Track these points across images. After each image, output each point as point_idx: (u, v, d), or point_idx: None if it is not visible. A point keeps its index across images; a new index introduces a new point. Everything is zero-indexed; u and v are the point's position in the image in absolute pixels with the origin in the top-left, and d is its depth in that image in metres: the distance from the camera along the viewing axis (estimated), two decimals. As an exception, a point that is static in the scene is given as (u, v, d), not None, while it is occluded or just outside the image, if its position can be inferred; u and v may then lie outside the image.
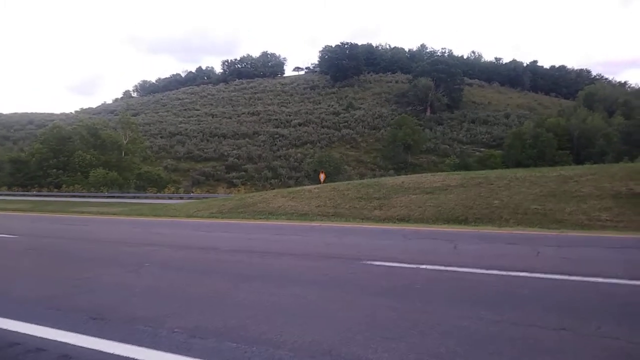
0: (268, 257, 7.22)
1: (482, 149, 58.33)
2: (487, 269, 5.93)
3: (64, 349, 3.32)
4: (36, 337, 3.55)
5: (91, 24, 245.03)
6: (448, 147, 62.42)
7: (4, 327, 3.78)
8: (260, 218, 14.74)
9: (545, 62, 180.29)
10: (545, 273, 5.62)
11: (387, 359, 3.10)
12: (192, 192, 42.01)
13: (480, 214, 13.20)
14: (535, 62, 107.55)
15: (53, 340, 3.47)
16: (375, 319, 3.97)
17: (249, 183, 51.33)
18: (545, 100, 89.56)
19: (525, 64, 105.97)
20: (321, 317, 4.03)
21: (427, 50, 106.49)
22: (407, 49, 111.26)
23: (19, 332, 3.65)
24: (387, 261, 6.39)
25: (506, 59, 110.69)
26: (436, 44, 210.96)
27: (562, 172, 15.81)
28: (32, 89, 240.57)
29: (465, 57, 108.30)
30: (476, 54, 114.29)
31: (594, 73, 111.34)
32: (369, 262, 6.37)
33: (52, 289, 5.21)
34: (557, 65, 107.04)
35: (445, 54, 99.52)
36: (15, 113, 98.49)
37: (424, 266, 6.07)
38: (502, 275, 5.67)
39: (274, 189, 36.20)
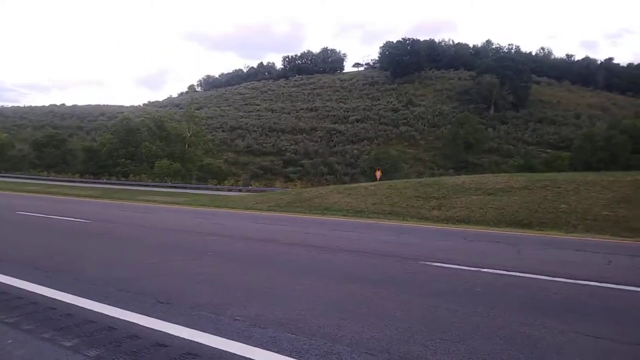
0: (325, 252, 7.30)
1: (548, 151, 55.57)
2: (552, 276, 5.69)
3: (133, 329, 3.52)
4: (108, 316, 3.79)
5: (159, 21, 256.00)
6: (512, 147, 59.95)
7: (81, 305, 4.06)
8: (316, 213, 14.88)
9: (622, 60, 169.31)
10: (618, 284, 5.33)
11: (446, 360, 3.07)
12: (251, 185, 42.97)
13: (546, 218, 12.66)
14: (610, 59, 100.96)
15: (123, 320, 3.69)
16: (434, 320, 3.93)
17: (305, 178, 51.87)
18: (621, 100, 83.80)
19: (599, 62, 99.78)
20: (379, 314, 4.04)
21: (493, 46, 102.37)
22: (471, 45, 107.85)
23: (93, 311, 3.91)
24: (446, 263, 6.29)
25: (578, 56, 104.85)
26: (503, 40, 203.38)
27: (637, 176, 14.83)
28: (104, 82, 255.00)
29: (533, 53, 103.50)
30: (545, 50, 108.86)
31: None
32: (427, 263, 6.29)
33: (122, 272, 5.53)
34: (635, 63, 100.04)
35: (512, 50, 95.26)
36: (89, 105, 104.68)
37: (485, 269, 5.91)
38: (569, 283, 5.43)
39: (329, 184, 36.38)
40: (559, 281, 5.49)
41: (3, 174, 45.82)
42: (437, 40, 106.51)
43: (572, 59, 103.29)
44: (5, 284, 4.72)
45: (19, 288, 4.56)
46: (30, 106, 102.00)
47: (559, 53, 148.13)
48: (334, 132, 67.03)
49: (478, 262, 6.37)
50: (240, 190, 35.28)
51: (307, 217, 13.98)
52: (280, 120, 73.58)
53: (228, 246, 7.92)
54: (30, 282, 4.74)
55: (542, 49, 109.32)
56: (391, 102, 78.98)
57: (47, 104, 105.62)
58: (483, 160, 57.06)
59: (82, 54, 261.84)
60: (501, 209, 13.58)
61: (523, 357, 3.19)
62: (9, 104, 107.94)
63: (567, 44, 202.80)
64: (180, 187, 36.74)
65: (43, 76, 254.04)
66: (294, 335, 3.44)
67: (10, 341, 3.28)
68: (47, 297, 4.28)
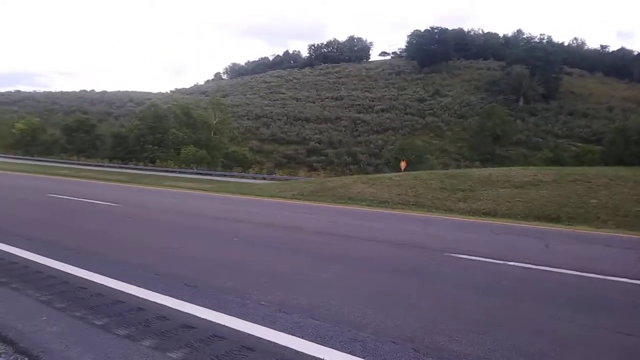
0: (350, 241, 7.30)
1: (579, 144, 54.08)
2: (581, 271, 5.57)
3: (161, 310, 3.60)
4: (138, 297, 3.88)
5: (188, 8, 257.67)
6: (541, 140, 58.54)
7: (110, 285, 4.16)
8: (340, 202, 14.88)
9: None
10: (650, 281, 5.17)
11: (472, 352, 3.04)
12: (275, 173, 43.24)
13: (575, 213, 12.37)
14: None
15: (151, 302, 3.78)
16: (459, 311, 3.89)
17: (328, 167, 51.88)
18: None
19: (635, 53, 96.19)
20: (403, 304, 4.02)
21: (524, 36, 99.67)
22: (501, 35, 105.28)
23: (123, 292, 4.01)
24: (472, 255, 6.21)
25: (613, 47, 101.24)
26: (534, 30, 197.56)
27: (673, 173, 14.34)
28: (132, 68, 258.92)
29: (566, 44, 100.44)
30: (579, 40, 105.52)
31: None
32: (452, 255, 6.23)
33: (151, 255, 5.65)
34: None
35: (544, 41, 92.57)
36: (118, 91, 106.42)
37: (512, 263, 5.82)
38: (599, 279, 5.31)
39: (352, 174, 36.28)
40: (589, 277, 5.37)
41: (36, 158, 47.20)
42: (465, 30, 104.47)
43: (607, 49, 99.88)
44: (38, 263, 4.87)
45: (51, 267, 4.71)
46: (62, 91, 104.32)
47: (592, 44, 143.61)
48: (359, 121, 66.64)
49: (505, 256, 6.27)
50: (264, 179, 35.55)
51: (330, 206, 13.98)
52: (305, 109, 73.50)
53: (254, 232, 8.00)
54: (62, 261, 4.88)
55: (575, 39, 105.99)
56: (417, 92, 77.98)
57: (77, 90, 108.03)
58: (510, 152, 55.93)
59: (112, 41, 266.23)
60: (529, 203, 13.31)
61: (551, 352, 3.14)
62: (41, 89, 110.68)
63: (602, 35, 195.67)
64: (205, 174, 37.23)
65: (73, 62, 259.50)
66: (318, 322, 3.46)
67: (44, 318, 3.39)
68: (77, 276, 4.41)
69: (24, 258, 5.05)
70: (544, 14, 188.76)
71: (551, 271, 5.54)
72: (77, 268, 4.67)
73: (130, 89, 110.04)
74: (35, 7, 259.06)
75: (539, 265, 5.77)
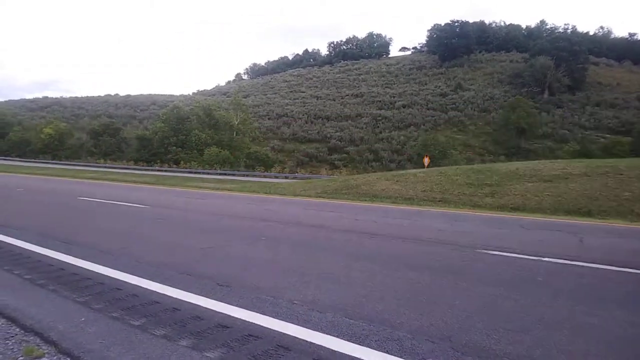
0: (377, 239, 7.24)
1: (607, 136, 52.60)
2: (619, 266, 5.42)
3: (195, 310, 3.64)
4: (172, 297, 3.93)
5: (208, 9, 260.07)
6: (567, 132, 57.15)
7: (144, 286, 4.23)
8: (364, 200, 14.79)
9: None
10: (693, 276, 4.99)
11: (511, 351, 2.98)
12: (297, 172, 43.33)
13: (607, 206, 12.04)
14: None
15: (186, 302, 3.82)
16: (495, 309, 3.82)
17: (350, 165, 51.68)
18: (689, 80, 78.07)
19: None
20: (437, 302, 3.96)
21: (547, 27, 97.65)
22: (524, 26, 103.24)
23: (157, 292, 4.07)
24: (504, 251, 6.09)
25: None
26: (558, 20, 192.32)
27: None
28: (156, 72, 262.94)
29: (591, 33, 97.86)
30: (605, 29, 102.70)
31: None
32: (483, 251, 6.12)
33: (183, 256, 5.71)
34: None
35: (568, 31, 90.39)
36: (141, 94, 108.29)
37: (546, 259, 5.69)
38: (637, 274, 5.15)
39: (375, 171, 36.10)
40: (626, 271, 5.21)
41: (64, 162, 48.36)
42: (487, 22, 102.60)
43: (635, 37, 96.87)
44: (74, 265, 4.98)
45: (86, 269, 4.80)
46: (87, 96, 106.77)
47: (619, 32, 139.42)
48: (380, 118, 66.21)
49: (538, 251, 6.13)
50: (286, 177, 35.67)
51: (355, 204, 13.92)
52: (326, 107, 73.43)
53: (281, 231, 8.01)
54: (96, 263, 4.98)
55: (601, 28, 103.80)
56: (439, 86, 77.03)
57: (102, 94, 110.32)
58: (536, 146, 54.78)
59: (135, 46, 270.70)
60: (558, 197, 13.01)
61: (592, 350, 3.05)
62: (68, 95, 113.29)
63: (630, 23, 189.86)
64: (229, 174, 37.54)
65: (98, 67, 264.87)
66: (352, 321, 3.44)
67: (83, 319, 3.45)
68: (113, 278, 4.49)
69: (60, 260, 5.17)
70: (568, 3, 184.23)
71: (587, 266, 5.40)
72: (111, 269, 4.75)
73: (153, 92, 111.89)
74: (60, 15, 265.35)
75: (574, 260, 5.63)
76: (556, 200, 12.80)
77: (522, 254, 5.92)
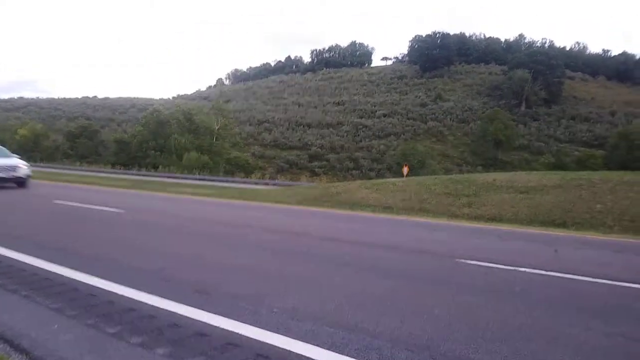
0: (358, 247, 7.26)
1: (581, 149, 53.93)
2: (592, 277, 5.53)
3: (173, 317, 3.57)
4: (148, 304, 3.85)
5: (188, 14, 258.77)
6: (543, 144, 58.47)
7: (120, 293, 4.14)
8: (344, 208, 14.84)
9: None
10: (663, 287, 5.13)
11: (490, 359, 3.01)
12: (277, 179, 43.19)
13: (581, 218, 12.33)
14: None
15: (163, 309, 3.74)
16: (474, 318, 3.85)
17: (330, 173, 51.83)
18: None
19: (638, 57, 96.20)
20: (417, 311, 3.98)
21: (525, 41, 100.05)
22: (503, 39, 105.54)
23: (134, 299, 3.98)
24: (482, 261, 6.16)
25: (616, 51, 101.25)
26: (536, 34, 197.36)
27: (680, 177, 14.29)
28: (135, 75, 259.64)
29: (567, 48, 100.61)
30: (581, 45, 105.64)
31: None
32: (462, 261, 6.19)
33: (159, 262, 5.61)
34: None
35: (546, 45, 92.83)
36: (120, 97, 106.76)
37: (522, 269, 5.78)
38: (611, 285, 5.27)
39: (354, 179, 36.23)
40: (601, 282, 5.33)
41: (39, 164, 47.29)
42: (467, 34, 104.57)
43: (609, 54, 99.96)
44: (47, 270, 4.85)
45: (60, 275, 4.68)
46: (64, 98, 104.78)
47: (594, 48, 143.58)
48: (361, 126, 66.66)
49: (515, 261, 6.22)
50: (266, 184, 35.50)
51: (335, 211, 13.94)
52: (307, 114, 73.57)
53: (262, 238, 7.96)
54: (70, 268, 4.86)
55: (577, 43, 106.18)
56: (419, 96, 78.03)
57: (80, 96, 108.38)
58: (513, 157, 55.87)
59: (114, 48, 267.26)
60: (534, 208, 13.27)
61: (568, 359, 3.10)
62: (44, 96, 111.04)
63: (604, 39, 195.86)
64: (208, 180, 37.17)
65: (76, 69, 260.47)
66: (332, 329, 3.43)
67: (56, 326, 3.36)
68: (87, 284, 4.38)
69: (33, 265, 5.03)
70: (545, 18, 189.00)
71: (563, 277, 5.50)
72: (86, 275, 4.64)
73: (132, 95, 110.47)
74: (36, 14, 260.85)
75: (549, 271, 5.73)
76: (532, 211, 13.05)
77: (500, 264, 6.00)
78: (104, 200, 13.49)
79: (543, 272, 5.68)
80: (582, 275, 5.55)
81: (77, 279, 4.54)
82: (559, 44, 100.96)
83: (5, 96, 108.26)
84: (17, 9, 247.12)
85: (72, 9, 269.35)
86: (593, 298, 4.76)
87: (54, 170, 40.04)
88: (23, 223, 8.70)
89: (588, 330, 3.68)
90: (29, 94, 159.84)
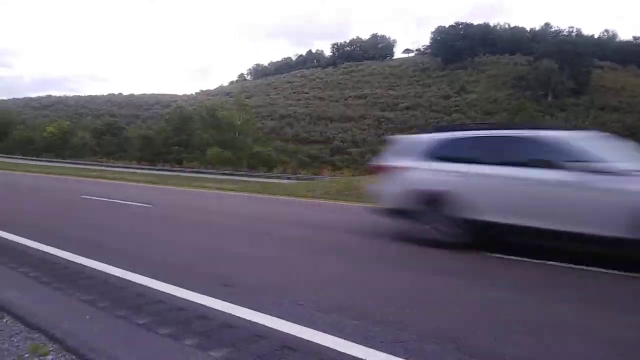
0: (380, 240, 7.23)
1: (611, 139, 52.45)
2: (620, 270, 5.37)
3: (200, 310, 3.62)
4: (177, 297, 3.91)
5: (212, 10, 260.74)
6: (571, 135, 57.02)
7: (150, 285, 4.21)
8: (367, 201, 14.75)
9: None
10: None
11: (517, 353, 2.96)
12: (299, 173, 43.33)
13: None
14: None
15: (191, 302, 3.80)
16: (500, 312, 3.81)
17: (352, 166, 51.74)
18: (695, 84, 77.74)
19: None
20: (443, 304, 3.96)
21: (552, 30, 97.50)
22: (528, 29, 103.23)
23: (162, 292, 4.05)
24: (508, 254, 6.06)
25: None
26: (562, 23, 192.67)
27: None
28: (159, 72, 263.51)
29: (596, 36, 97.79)
30: (610, 32, 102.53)
31: None
32: (487, 254, 6.09)
33: (186, 255, 5.71)
34: None
35: (573, 34, 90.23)
36: (144, 94, 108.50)
37: (550, 262, 5.66)
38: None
39: (378, 173, 35.94)
40: (629, 275, 5.18)
41: (67, 160, 48.50)
42: (491, 24, 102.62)
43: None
44: (77, 263, 4.98)
45: (91, 267, 4.80)
46: (90, 95, 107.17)
47: (624, 35, 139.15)
48: (383, 119, 66.36)
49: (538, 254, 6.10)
50: (289, 178, 35.69)
51: (359, 204, 13.90)
52: (329, 108, 73.55)
53: (285, 231, 8.01)
54: (101, 262, 4.97)
55: (606, 31, 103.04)
56: (442, 88, 77.15)
57: (105, 93, 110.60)
58: (539, 149, 54.63)
59: (139, 45, 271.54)
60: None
61: (600, 354, 3.04)
62: (71, 94, 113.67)
63: (635, 26, 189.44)
64: (230, 174, 37.59)
65: (102, 66, 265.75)
66: (357, 322, 3.42)
67: (87, 317, 3.46)
68: (117, 276, 4.48)
69: (64, 258, 5.17)
70: (572, 6, 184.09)
71: (589, 270, 5.37)
72: (115, 268, 4.75)
73: (156, 92, 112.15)
74: (58, 13, 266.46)
75: (576, 264, 5.59)
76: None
77: (525, 257, 5.87)
78: (130, 195, 13.75)
79: (570, 265, 5.55)
80: (610, 269, 5.41)
81: (107, 271, 4.65)
82: (586, 32, 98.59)
83: (35, 95, 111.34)
84: (40, 6, 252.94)
85: (96, 8, 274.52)
86: (622, 291, 4.65)
87: (81, 166, 41.03)
88: (52, 217, 8.95)
89: (618, 325, 3.60)
90: (56, 92, 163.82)
